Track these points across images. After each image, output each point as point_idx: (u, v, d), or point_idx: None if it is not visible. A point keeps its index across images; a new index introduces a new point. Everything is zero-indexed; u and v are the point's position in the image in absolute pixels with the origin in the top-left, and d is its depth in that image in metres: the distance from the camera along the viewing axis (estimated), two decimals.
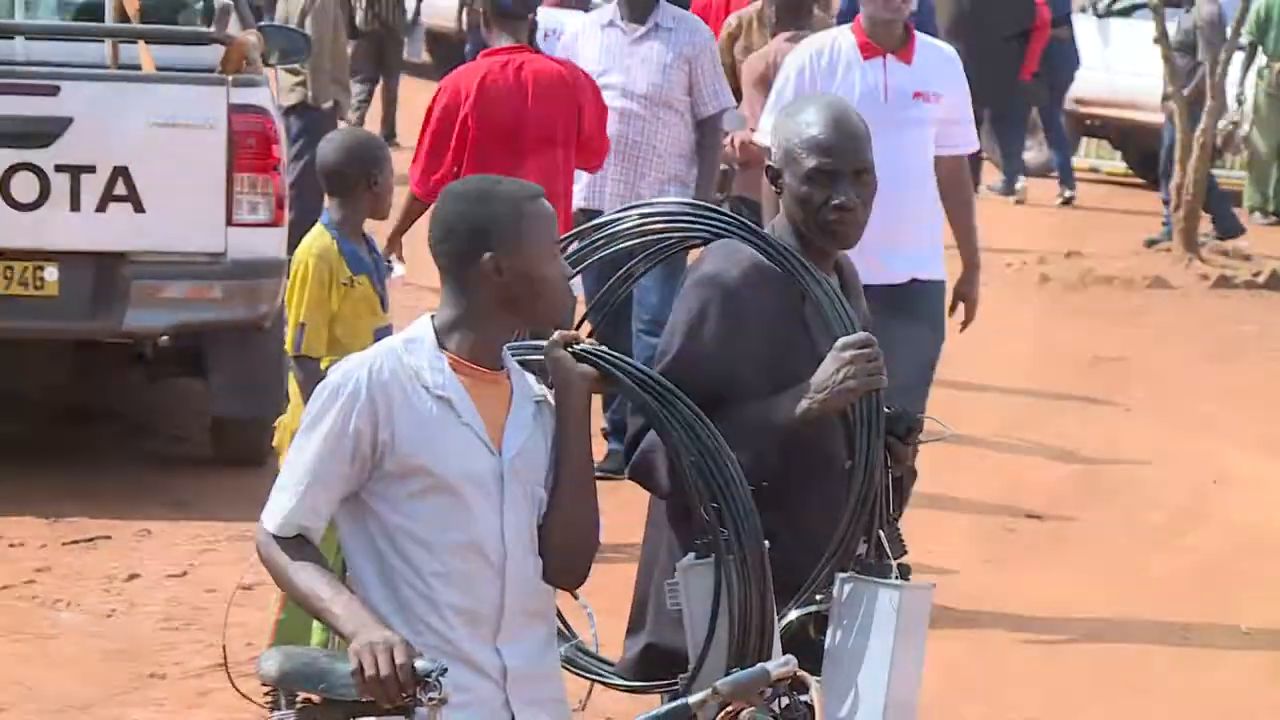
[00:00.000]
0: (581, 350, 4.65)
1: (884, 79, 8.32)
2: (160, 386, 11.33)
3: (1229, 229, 18.20)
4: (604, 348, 4.68)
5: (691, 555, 4.75)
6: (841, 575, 4.88)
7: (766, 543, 4.68)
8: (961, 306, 8.71)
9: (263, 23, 12.00)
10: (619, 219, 5.21)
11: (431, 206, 5.57)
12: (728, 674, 4.48)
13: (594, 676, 5.09)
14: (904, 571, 4.94)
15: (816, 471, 5.02)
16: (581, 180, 10.04)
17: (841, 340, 4.94)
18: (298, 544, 4.51)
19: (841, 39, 8.42)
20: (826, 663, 4.85)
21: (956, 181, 8.62)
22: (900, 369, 7.63)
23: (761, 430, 4.95)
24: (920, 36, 8.52)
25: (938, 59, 8.54)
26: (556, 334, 4.68)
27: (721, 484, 4.63)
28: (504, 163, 8.88)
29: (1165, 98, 18.20)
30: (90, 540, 9.54)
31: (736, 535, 4.62)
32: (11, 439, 10.97)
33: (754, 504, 4.63)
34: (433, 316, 4.63)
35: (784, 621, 4.86)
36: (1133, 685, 8.33)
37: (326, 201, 7.58)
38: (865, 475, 4.91)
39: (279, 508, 4.54)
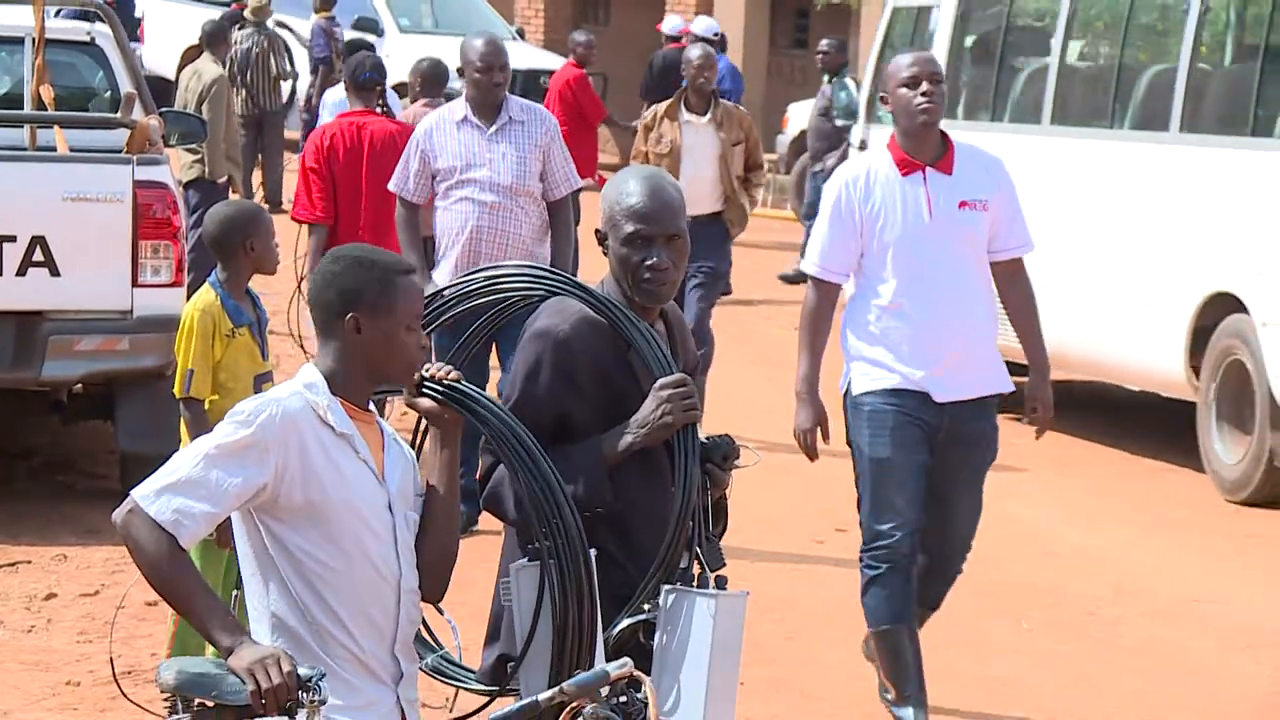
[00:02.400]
0: (439, 390, 4.56)
1: (925, 193, 7.09)
2: (74, 428, 11.21)
3: None
4: (453, 382, 4.58)
5: (524, 559, 4.73)
6: (666, 587, 4.85)
7: (594, 551, 4.66)
8: (1037, 411, 7.41)
9: (163, 109, 11.92)
10: (468, 281, 5.15)
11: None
12: (557, 669, 4.50)
13: (458, 683, 5.02)
14: (721, 583, 4.91)
15: (645, 496, 4.97)
16: (450, 263, 9.57)
17: (660, 381, 4.92)
18: (170, 540, 4.28)
19: (877, 159, 7.21)
20: (655, 664, 4.82)
21: (1017, 285, 7.37)
22: (958, 491, 7.33)
23: (594, 463, 4.92)
24: (959, 144, 7.22)
25: (979, 164, 7.26)
26: (415, 378, 4.58)
27: (551, 503, 4.58)
28: (349, 198, 10.58)
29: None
30: (12, 565, 9.42)
31: (565, 546, 4.58)
32: None
33: (577, 521, 4.59)
34: (316, 365, 4.54)
35: (617, 629, 4.82)
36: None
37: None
38: (684, 497, 4.88)
39: (163, 494, 4.30)
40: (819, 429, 7.25)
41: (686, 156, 11.86)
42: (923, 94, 7.04)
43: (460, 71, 9.77)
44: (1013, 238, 7.28)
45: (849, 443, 7.31)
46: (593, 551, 4.68)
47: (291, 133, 22.27)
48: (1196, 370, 11.42)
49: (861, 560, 7.32)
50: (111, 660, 5.13)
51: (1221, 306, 11.19)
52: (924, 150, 7.12)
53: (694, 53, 12.34)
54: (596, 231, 5.14)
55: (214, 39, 16.53)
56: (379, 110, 10.96)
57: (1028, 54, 13.47)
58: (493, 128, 9.58)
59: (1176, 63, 11.81)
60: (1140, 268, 11.94)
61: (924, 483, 7.19)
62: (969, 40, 13.86)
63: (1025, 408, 7.48)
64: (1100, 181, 12.43)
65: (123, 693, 4.71)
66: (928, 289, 7.12)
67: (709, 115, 12.03)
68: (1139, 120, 12.30)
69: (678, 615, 4.83)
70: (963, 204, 7.11)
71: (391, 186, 9.80)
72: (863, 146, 14.58)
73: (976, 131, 12.79)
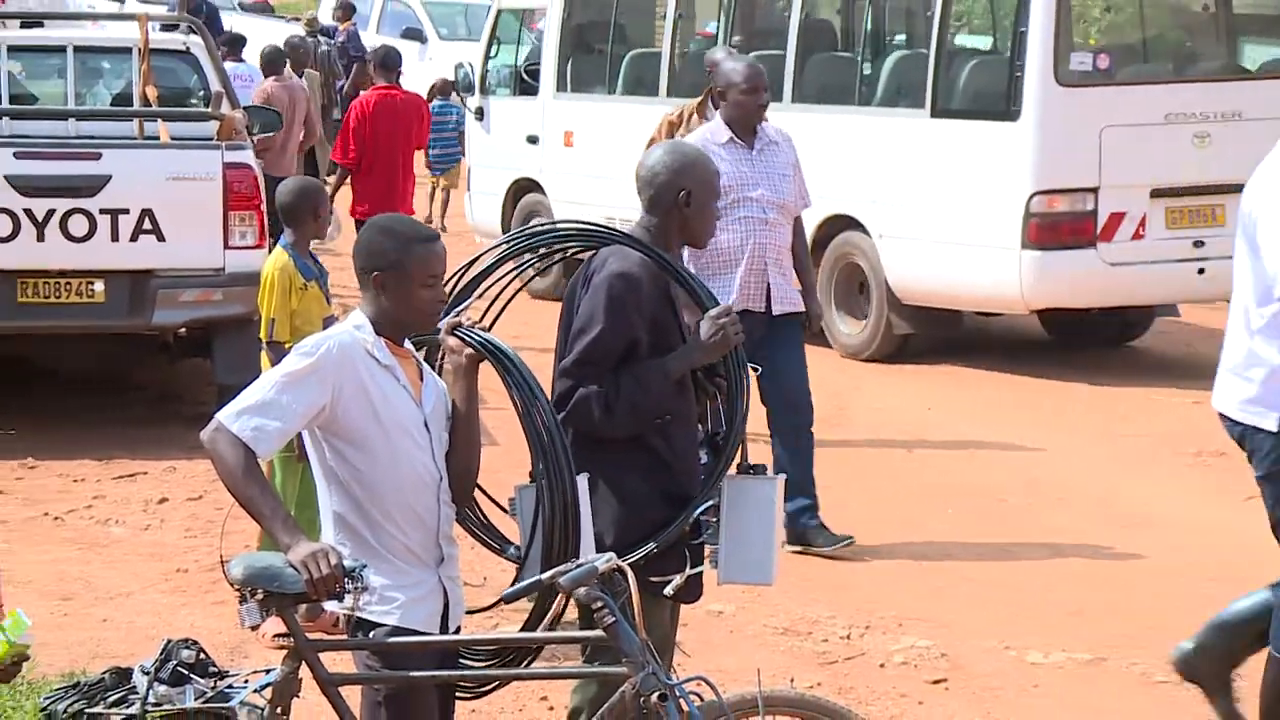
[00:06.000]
0: (464, 333, 4.57)
1: None
2: (179, 364, 11.26)
3: None
4: (477, 329, 4.60)
5: (527, 481, 4.76)
6: (729, 476, 4.95)
7: (585, 475, 4.69)
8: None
9: (246, 105, 11.96)
10: (547, 227, 5.15)
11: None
12: (545, 567, 4.48)
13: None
14: (760, 469, 5.05)
15: (680, 406, 5.02)
16: (736, 280, 8.11)
17: (712, 311, 4.97)
18: (248, 452, 4.26)
19: None
20: (724, 538, 4.92)
21: None
22: None
23: (663, 379, 4.94)
24: None
25: None
26: (445, 323, 4.58)
27: (547, 438, 4.60)
28: (385, 151, 11.90)
29: None
30: (131, 475, 9.49)
31: (550, 472, 4.60)
32: (73, 405, 10.87)
33: (566, 451, 4.61)
34: (361, 310, 4.52)
35: (693, 516, 4.91)
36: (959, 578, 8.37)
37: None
38: (741, 402, 4.99)
39: (243, 415, 4.26)
40: None
41: None
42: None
43: (721, 95, 8.32)
44: None
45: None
46: (583, 476, 4.68)
47: None
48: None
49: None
50: (221, 555, 5.14)
51: (838, 224, 12.40)
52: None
53: (717, 54, 11.08)
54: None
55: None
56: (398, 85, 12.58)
57: (637, 41, 14.36)
58: (755, 149, 8.24)
59: (785, 49, 12.82)
60: None
61: None
62: (577, 30, 14.53)
63: None
64: None
65: (226, 576, 4.72)
66: None
67: None
68: None
69: (745, 497, 4.94)
70: None
71: None
72: (479, 115, 15.12)
73: (592, 103, 14.22)
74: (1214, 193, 11.68)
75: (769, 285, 8.15)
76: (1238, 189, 11.70)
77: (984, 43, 12.64)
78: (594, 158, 13.99)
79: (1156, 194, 11.65)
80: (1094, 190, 11.55)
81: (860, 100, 12.50)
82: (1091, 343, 12.85)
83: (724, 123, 8.26)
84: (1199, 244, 11.72)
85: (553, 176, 14.41)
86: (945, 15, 11.99)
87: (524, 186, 14.64)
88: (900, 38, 13.09)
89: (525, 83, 14.74)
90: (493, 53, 15.23)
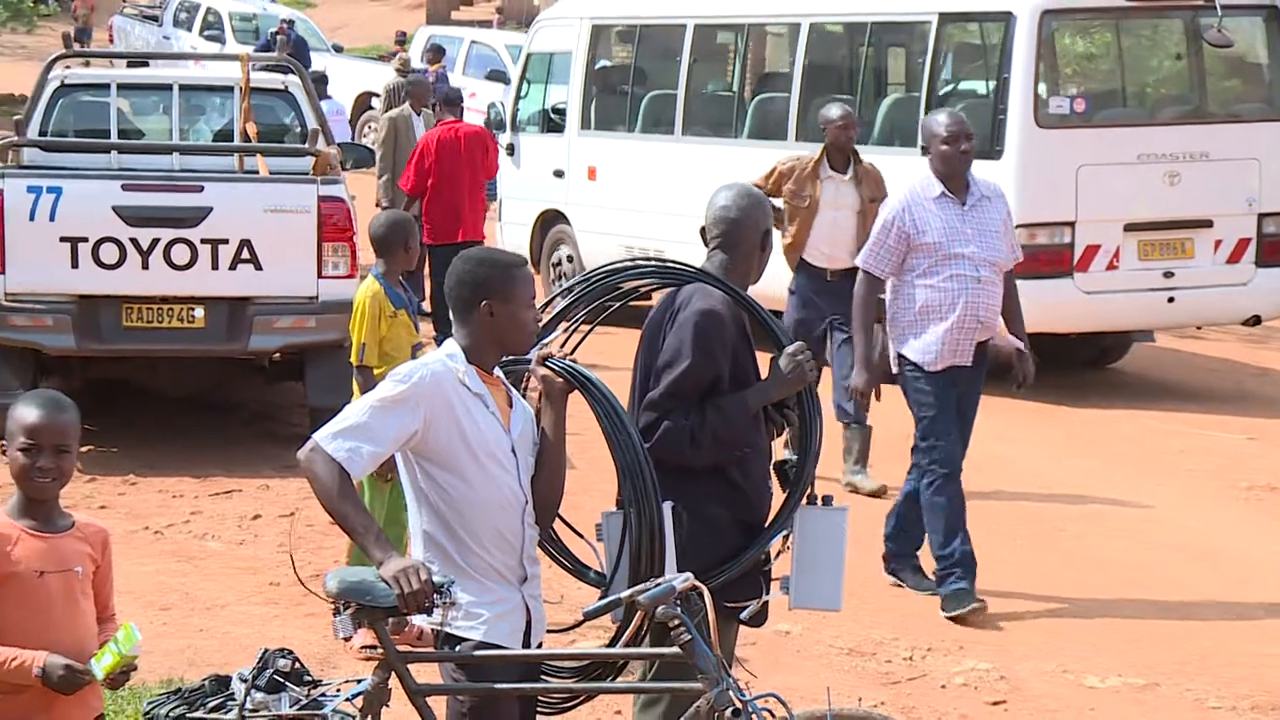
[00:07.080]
0: (555, 363, 4.59)
1: None
2: (274, 387, 11.30)
3: None
4: (568, 360, 4.62)
5: (613, 507, 4.79)
6: (802, 506, 4.96)
7: (670, 504, 4.70)
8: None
9: (341, 141, 12.04)
10: (628, 264, 5.17)
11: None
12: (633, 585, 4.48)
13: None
14: (828, 500, 5.05)
15: (756, 438, 5.03)
16: (938, 337, 7.70)
17: (789, 348, 4.98)
18: (342, 472, 4.27)
19: None
20: (796, 565, 4.94)
21: None
22: None
23: (744, 412, 4.95)
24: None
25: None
26: (537, 353, 4.60)
27: (635, 463, 4.63)
28: (450, 180, 12.65)
29: None
30: (228, 492, 9.52)
31: (638, 497, 4.62)
32: (174, 425, 10.94)
33: (654, 478, 4.62)
34: (456, 340, 4.54)
35: (768, 544, 4.94)
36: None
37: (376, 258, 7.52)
38: (814, 436, 4.99)
39: (338, 437, 4.28)
40: None
41: (826, 209, 10.04)
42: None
43: (925, 149, 7.98)
44: None
45: None
46: (668, 505, 4.69)
47: None
48: None
49: None
50: (294, 566, 5.13)
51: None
52: None
53: (834, 112, 10.26)
54: (702, 230, 5.15)
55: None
56: (461, 118, 13.25)
57: (655, 83, 14.55)
58: (967, 204, 7.73)
59: (790, 92, 13.19)
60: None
61: None
62: (600, 73, 14.98)
63: None
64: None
65: (303, 585, 4.73)
66: None
67: (850, 172, 10.15)
68: (758, 131, 13.60)
69: (816, 527, 4.95)
70: None
71: (860, 261, 7.90)
72: (510, 151, 15.32)
73: (613, 140, 14.56)
74: (1183, 227, 12.22)
75: (978, 342, 7.76)
76: (1205, 224, 12.53)
77: (971, 88, 13.00)
78: (614, 191, 14.37)
79: (1129, 228, 12.07)
80: (1071, 224, 11.97)
81: (858, 140, 12.42)
82: (1076, 367, 13.06)
83: (934, 176, 7.75)
84: (1169, 275, 12.19)
85: (577, 208, 14.73)
86: (936, 63, 12.44)
87: (551, 218, 14.95)
88: (895, 83, 13.53)
89: (552, 121, 15.16)
90: (523, 93, 15.58)
